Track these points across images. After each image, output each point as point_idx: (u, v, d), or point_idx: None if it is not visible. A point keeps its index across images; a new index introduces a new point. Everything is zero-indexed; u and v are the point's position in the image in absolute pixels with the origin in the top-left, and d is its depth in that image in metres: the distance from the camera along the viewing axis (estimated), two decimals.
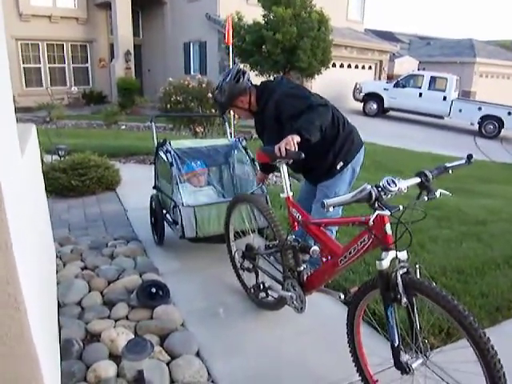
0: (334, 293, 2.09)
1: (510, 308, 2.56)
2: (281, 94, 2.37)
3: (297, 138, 2.07)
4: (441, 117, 14.77)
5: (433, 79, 14.88)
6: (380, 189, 1.55)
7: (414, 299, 1.56)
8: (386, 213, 1.54)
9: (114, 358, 2.01)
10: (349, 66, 17.88)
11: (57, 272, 2.76)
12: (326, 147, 2.46)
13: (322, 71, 12.65)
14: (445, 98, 14.40)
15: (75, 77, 17.10)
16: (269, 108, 2.41)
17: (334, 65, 14.74)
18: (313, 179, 2.72)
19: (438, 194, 1.64)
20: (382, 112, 15.71)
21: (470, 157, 1.76)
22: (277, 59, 11.57)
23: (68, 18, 16.23)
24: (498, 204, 5.26)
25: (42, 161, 4.36)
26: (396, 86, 15.28)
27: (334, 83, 15.78)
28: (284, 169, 2.22)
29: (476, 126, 13.97)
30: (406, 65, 19.86)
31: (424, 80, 14.94)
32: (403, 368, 1.59)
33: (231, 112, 6.35)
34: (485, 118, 13.71)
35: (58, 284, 2.59)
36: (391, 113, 15.89)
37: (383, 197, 1.55)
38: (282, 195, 2.26)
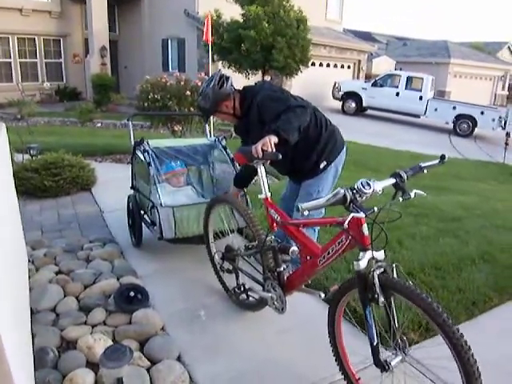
0: (315, 292, 2.11)
1: (486, 302, 2.64)
2: (262, 98, 2.38)
3: (274, 139, 2.07)
4: (417, 116, 15.09)
5: (409, 79, 15.20)
6: (355, 191, 1.59)
7: (391, 298, 1.60)
8: (361, 215, 1.58)
9: (92, 365, 1.94)
10: (328, 65, 18.04)
11: (29, 277, 2.65)
12: (310, 147, 2.48)
13: (302, 70, 12.69)
14: (421, 98, 14.73)
15: (48, 72, 16.54)
16: (252, 112, 2.42)
17: (313, 64, 14.83)
18: (297, 178, 2.74)
19: (412, 194, 1.69)
20: (361, 111, 15.95)
21: (443, 157, 1.83)
22: (255, 58, 11.55)
23: (40, 12, 15.67)
24: (472, 201, 5.40)
25: (13, 160, 4.19)
26: (374, 85, 15.54)
27: (313, 82, 15.88)
28: (262, 170, 2.22)
29: (451, 125, 14.35)
30: (383, 65, 20.21)
31: (401, 80, 15.25)
32: (382, 366, 1.61)
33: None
34: (459, 117, 14.10)
35: (30, 290, 2.49)
36: (369, 111, 16.13)
37: (358, 199, 1.59)
38: (260, 196, 2.26)
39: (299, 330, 2.36)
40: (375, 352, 1.63)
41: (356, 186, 1.59)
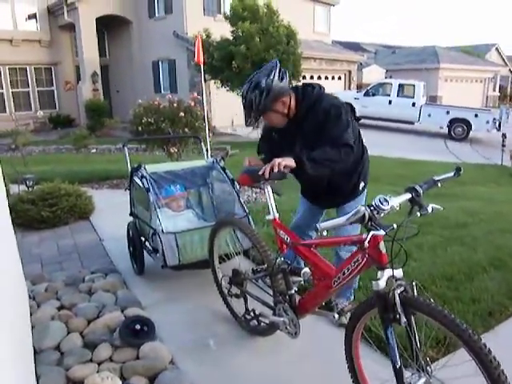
0: (329, 313, 2.04)
1: (502, 312, 2.57)
2: (332, 106, 2.12)
3: (288, 162, 1.92)
4: (411, 122, 15.16)
5: (401, 86, 15.33)
6: (373, 208, 1.54)
7: (412, 317, 1.53)
8: (381, 233, 1.53)
9: None
10: (319, 78, 18.18)
11: (30, 314, 2.56)
12: (353, 168, 2.31)
13: (294, 84, 12.76)
14: (414, 104, 14.82)
15: (40, 101, 16.62)
16: (317, 114, 2.13)
17: (304, 77, 14.94)
18: (331, 202, 2.51)
19: (430, 209, 1.62)
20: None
21: (458, 169, 1.75)
22: (246, 74, 11.62)
23: (30, 41, 15.83)
24: (474, 205, 5.35)
25: (8, 192, 4.12)
26: (366, 94, 15.65)
27: None
28: (269, 190, 2.16)
29: (445, 130, 14.41)
30: (373, 74, 20.43)
31: (392, 88, 15.37)
32: None
33: (206, 130, 6.27)
34: (453, 122, 14.15)
35: (32, 328, 2.40)
36: (363, 121, 16.17)
37: (376, 216, 1.53)
38: (267, 217, 2.20)
39: (316, 355, 2.27)
40: (399, 375, 1.55)
41: (374, 203, 1.53)
